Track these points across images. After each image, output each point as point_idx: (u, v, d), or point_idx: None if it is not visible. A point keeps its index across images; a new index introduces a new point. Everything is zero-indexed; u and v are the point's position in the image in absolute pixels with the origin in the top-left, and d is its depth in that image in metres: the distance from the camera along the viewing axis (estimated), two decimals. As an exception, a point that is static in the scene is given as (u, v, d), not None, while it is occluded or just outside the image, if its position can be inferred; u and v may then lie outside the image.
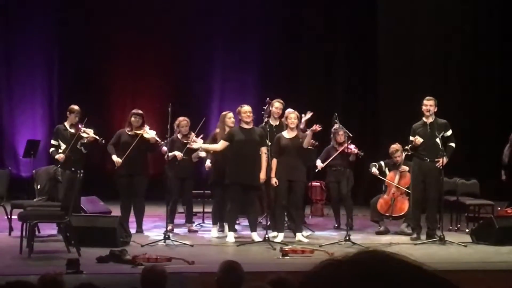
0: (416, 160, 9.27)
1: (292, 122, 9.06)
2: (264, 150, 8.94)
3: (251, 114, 9.12)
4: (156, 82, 14.32)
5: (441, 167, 9.04)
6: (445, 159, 8.99)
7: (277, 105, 9.70)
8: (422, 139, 9.12)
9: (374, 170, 10.08)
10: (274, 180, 8.90)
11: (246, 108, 9.14)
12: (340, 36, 14.84)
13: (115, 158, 9.49)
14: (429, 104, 9.15)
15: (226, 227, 9.35)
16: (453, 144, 9.20)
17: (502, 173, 12.35)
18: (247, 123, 9.04)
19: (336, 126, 9.89)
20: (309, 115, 9.47)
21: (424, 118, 9.21)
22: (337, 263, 1.06)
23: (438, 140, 9.03)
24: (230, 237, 8.86)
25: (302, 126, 9.39)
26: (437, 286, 1.04)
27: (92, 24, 14.12)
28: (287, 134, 9.09)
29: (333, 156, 10.25)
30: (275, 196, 9.10)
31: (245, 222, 9.84)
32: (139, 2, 14.44)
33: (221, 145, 9.07)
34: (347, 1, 14.86)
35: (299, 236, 9.01)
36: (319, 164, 10.25)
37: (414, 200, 9.31)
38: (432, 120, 9.16)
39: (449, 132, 9.23)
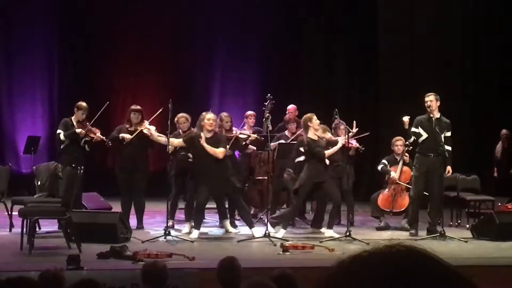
0: (419, 155, 9.24)
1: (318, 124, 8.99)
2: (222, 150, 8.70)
3: (215, 123, 8.86)
4: (156, 81, 14.30)
5: (448, 174, 9.12)
6: (450, 168, 9.08)
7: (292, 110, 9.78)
8: (426, 134, 9.09)
9: (393, 175, 9.94)
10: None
11: (210, 115, 8.84)
12: (340, 36, 14.83)
13: (124, 135, 9.37)
14: (429, 100, 9.12)
15: (225, 223, 9.34)
16: (449, 148, 9.16)
17: (495, 169, 12.42)
18: (208, 131, 8.73)
19: (336, 121, 9.88)
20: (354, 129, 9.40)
21: (429, 113, 9.17)
22: (363, 259, 1.03)
23: (441, 136, 9.00)
24: (187, 230, 9.02)
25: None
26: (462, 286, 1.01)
27: (92, 22, 14.11)
28: (312, 136, 8.96)
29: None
30: (295, 196, 9.04)
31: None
32: (139, 1, 14.43)
33: (177, 142, 9.01)
34: (347, 0, 14.84)
35: (330, 232, 8.90)
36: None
37: (415, 196, 9.29)
38: (438, 116, 9.12)
39: (449, 133, 9.17)
